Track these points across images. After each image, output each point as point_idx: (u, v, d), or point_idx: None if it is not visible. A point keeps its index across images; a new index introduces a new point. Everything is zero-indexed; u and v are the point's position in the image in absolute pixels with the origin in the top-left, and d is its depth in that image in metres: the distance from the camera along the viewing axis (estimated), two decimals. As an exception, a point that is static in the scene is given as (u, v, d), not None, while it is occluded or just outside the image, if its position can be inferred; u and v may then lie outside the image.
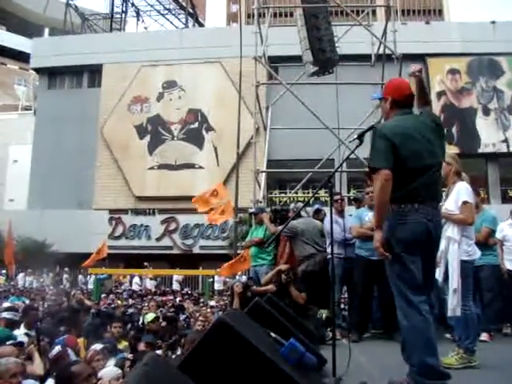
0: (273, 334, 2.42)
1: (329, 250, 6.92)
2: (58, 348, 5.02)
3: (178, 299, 15.75)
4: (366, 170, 4.05)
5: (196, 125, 31.23)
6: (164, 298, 16.19)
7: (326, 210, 7.42)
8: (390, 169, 3.36)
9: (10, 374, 3.95)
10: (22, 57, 53.51)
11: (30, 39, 45.34)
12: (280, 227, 7.46)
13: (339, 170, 5.76)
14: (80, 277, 24.36)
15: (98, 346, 5.23)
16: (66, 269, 24.86)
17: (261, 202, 11.01)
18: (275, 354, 2.15)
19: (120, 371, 4.59)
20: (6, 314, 7.12)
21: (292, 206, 8.17)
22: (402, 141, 3.46)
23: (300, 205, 8.30)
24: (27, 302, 14.14)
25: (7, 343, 5.19)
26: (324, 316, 6.42)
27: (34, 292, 18.98)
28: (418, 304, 3.36)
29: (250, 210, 9.68)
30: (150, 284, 22.80)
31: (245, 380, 1.95)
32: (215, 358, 1.93)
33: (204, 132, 31.09)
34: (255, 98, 12.82)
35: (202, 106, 31.26)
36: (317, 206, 8.25)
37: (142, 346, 6.10)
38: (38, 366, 5.10)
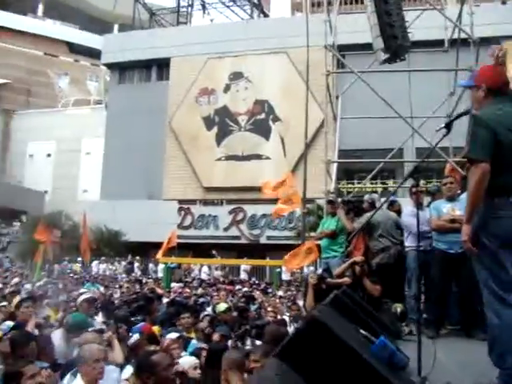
0: (362, 331, 2.36)
1: (406, 243, 6.76)
2: (136, 336, 5.11)
3: (245, 289, 15.83)
4: (458, 159, 3.86)
5: (263, 115, 31.26)
6: (231, 287, 16.34)
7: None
8: (489, 161, 3.17)
9: (93, 359, 4.08)
10: (93, 53, 55.15)
11: (100, 36, 46.71)
12: (356, 224, 7.32)
13: (425, 159, 5.54)
14: (151, 265, 24.94)
15: (173, 335, 5.29)
16: (138, 257, 25.50)
17: (333, 193, 10.81)
18: (366, 351, 2.09)
19: (197, 360, 4.63)
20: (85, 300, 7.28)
21: (366, 196, 7.97)
22: (503, 130, 3.24)
23: (375, 196, 8.08)
24: (101, 288, 14.62)
25: (89, 330, 5.35)
26: (399, 310, 6.24)
27: (107, 279, 19.59)
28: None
29: (327, 198, 9.51)
30: (218, 273, 23.08)
31: (337, 378, 1.91)
32: (307, 355, 1.90)
33: (271, 123, 31.07)
34: (326, 88, 12.58)
35: (268, 96, 31.23)
36: (391, 198, 8.05)
37: (216, 337, 6.13)
38: (118, 354, 5.22)
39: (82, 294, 9.85)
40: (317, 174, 24.19)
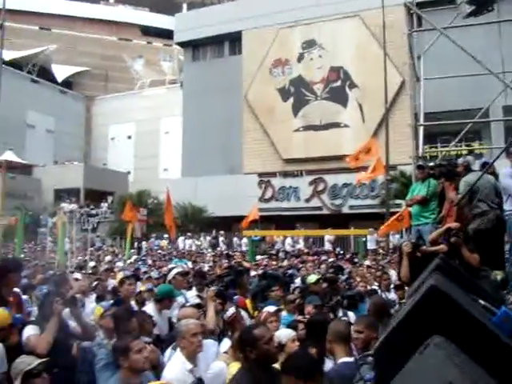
0: (481, 301, 2.14)
1: (505, 206, 6.31)
2: (231, 310, 5.08)
3: (331, 259, 15.65)
4: None
5: (339, 83, 30.56)
6: (316, 258, 16.21)
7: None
8: None
9: (190, 333, 4.09)
10: (165, 34, 55.94)
11: (170, 16, 47.19)
12: (459, 196, 6.89)
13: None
14: (235, 239, 25.24)
15: (271, 308, 5.22)
16: (222, 232, 25.85)
17: (421, 158, 10.32)
18: (490, 323, 1.87)
19: (294, 333, 4.53)
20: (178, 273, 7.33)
21: (461, 160, 7.48)
22: None
23: (470, 158, 7.57)
24: (189, 263, 14.90)
25: (187, 305, 5.37)
26: (499, 278, 5.82)
27: (194, 254, 19.95)
28: None
29: (416, 163, 9.10)
30: (301, 245, 23.02)
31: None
32: (428, 328, 1.71)
33: (347, 89, 30.32)
34: (408, 48, 11.99)
35: (343, 63, 30.45)
36: (484, 160, 7.54)
37: (309, 309, 5.99)
38: (210, 319, 5.27)
39: (172, 268, 10.08)
40: (397, 140, 23.66)
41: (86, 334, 4.78)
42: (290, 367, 3.02)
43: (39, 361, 3.48)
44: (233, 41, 34.90)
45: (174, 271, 7.30)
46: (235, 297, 6.21)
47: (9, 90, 33.25)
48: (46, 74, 55.32)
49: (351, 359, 3.61)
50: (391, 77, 20.59)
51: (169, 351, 4.52)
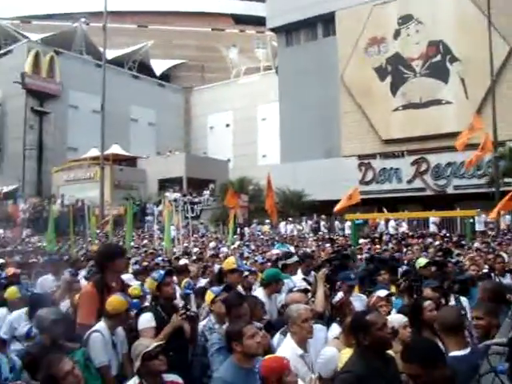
0: None
1: None
2: (340, 294, 5.05)
3: (437, 242, 15.16)
4: None
5: (438, 57, 29.27)
6: (420, 241, 15.77)
7: None
8: None
9: (301, 319, 4.12)
10: (257, 21, 56.16)
11: (261, 3, 47.30)
12: None
13: None
14: (336, 223, 25.02)
15: (382, 293, 5.13)
16: (323, 216, 25.73)
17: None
18: None
19: (406, 319, 4.43)
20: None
21: None
22: None
23: None
24: (292, 248, 14.97)
25: (294, 289, 5.39)
26: None
27: (295, 239, 20.01)
28: None
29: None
30: (404, 227, 22.43)
31: None
32: None
33: (448, 64, 28.96)
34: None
35: (443, 36, 29.10)
36: None
37: (428, 291, 5.82)
38: (320, 303, 5.27)
39: (275, 254, 10.19)
40: (505, 114, 22.36)
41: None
42: (415, 355, 2.97)
43: (157, 343, 3.65)
44: (326, 22, 34.38)
45: (295, 258, 7.20)
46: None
47: (113, 87, 35.14)
48: (145, 69, 57.64)
49: (464, 352, 3.49)
50: (497, 46, 19.44)
51: (277, 336, 4.58)
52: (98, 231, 23.73)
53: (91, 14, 58.90)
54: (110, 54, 41.67)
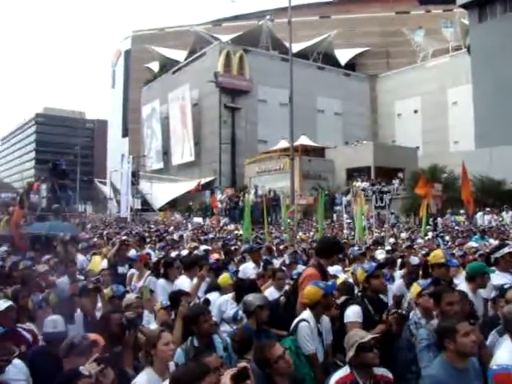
0: None
1: None
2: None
3: None
4: None
5: None
6: None
7: None
8: None
9: None
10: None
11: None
12: None
13: None
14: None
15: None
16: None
17: None
18: None
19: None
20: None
21: None
22: None
23: None
24: (491, 241, 13.92)
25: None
26: None
27: (495, 231, 18.59)
28: None
29: None
30: None
31: None
32: None
33: None
34: None
35: None
36: None
37: None
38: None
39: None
40: None
41: None
42: None
43: (372, 335, 3.63)
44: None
45: (506, 249, 6.60)
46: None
47: (299, 80, 35.95)
48: (329, 59, 58.13)
49: None
50: None
51: (492, 335, 4.30)
52: (289, 221, 24.45)
53: (275, 11, 61.03)
54: (295, 47, 42.56)
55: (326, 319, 4.64)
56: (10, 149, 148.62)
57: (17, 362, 3.85)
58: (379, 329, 4.40)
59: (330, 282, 4.75)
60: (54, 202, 15.21)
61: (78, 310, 5.44)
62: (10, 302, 4.92)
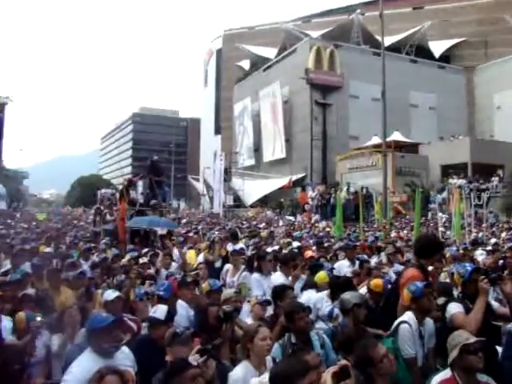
0: None
1: None
2: None
3: None
4: None
5: None
6: None
7: None
8: None
9: None
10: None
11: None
12: None
13: None
14: None
15: None
16: None
17: None
18: None
19: None
20: None
21: None
22: None
23: None
24: None
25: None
26: None
27: None
28: None
29: None
30: None
31: None
32: None
33: None
34: None
35: None
36: None
37: None
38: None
39: None
40: None
41: None
42: None
43: (478, 339, 3.51)
44: None
45: None
46: None
47: (392, 74, 35.11)
48: (422, 52, 56.42)
49: None
50: None
51: None
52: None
53: (365, 4, 59.96)
54: (387, 40, 41.56)
55: (429, 322, 4.54)
56: (110, 147, 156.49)
57: (124, 348, 4.18)
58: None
59: (419, 284, 4.53)
60: (152, 197, 15.93)
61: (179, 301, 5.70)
62: (118, 293, 5.36)
